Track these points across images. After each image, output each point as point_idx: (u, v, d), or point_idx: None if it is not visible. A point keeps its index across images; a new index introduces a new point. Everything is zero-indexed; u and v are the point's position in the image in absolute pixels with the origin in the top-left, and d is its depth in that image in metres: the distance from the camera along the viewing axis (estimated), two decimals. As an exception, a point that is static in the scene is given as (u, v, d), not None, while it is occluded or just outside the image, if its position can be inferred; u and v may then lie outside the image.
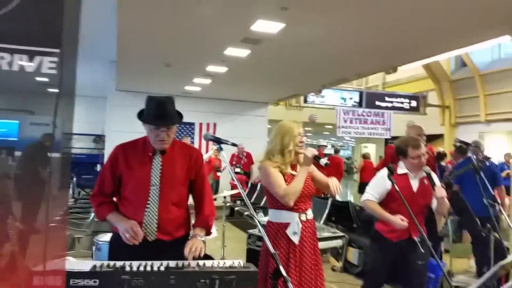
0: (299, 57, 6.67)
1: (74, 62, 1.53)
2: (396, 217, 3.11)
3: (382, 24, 5.06)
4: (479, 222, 5.06)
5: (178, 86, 9.56)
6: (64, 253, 2.08)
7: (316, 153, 2.83)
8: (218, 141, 2.47)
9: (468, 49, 6.37)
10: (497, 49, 13.06)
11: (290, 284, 2.14)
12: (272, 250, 2.25)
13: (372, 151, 24.11)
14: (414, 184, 3.30)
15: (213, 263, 2.33)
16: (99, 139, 12.60)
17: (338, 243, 5.62)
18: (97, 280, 2.02)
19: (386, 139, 15.48)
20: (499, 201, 3.90)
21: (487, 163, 5.00)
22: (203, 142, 10.57)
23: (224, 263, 2.32)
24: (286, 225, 2.86)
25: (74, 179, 9.53)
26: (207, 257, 4.43)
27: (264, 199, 9.20)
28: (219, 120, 11.11)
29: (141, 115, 2.45)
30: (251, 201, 9.38)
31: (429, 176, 3.19)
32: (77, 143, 11.98)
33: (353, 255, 5.73)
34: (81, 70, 1.94)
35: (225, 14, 5.02)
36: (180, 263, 2.27)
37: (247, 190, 8.87)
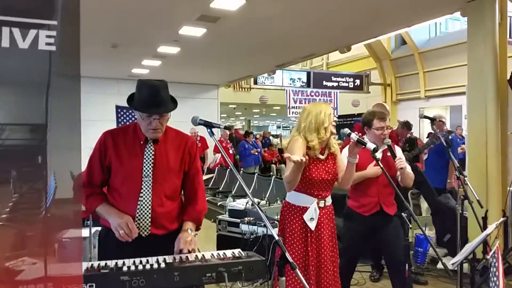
0: (256, 36, 6.52)
1: (77, 37, 1.29)
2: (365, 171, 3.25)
3: (341, 2, 5.05)
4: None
5: (124, 69, 9.05)
6: (19, 252, 1.86)
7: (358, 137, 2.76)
8: (209, 125, 2.28)
9: (421, 25, 6.54)
10: (434, 28, 13.70)
11: (298, 271, 2.05)
12: (276, 237, 2.13)
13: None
14: (378, 157, 3.36)
15: (212, 254, 2.19)
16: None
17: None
18: (93, 284, 1.82)
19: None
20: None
21: (450, 137, 5.24)
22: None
23: (224, 253, 2.18)
24: (304, 209, 2.81)
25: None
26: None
27: (223, 184, 9.09)
28: (168, 104, 10.71)
29: (131, 101, 2.25)
30: (208, 186, 9.21)
31: (389, 148, 3.28)
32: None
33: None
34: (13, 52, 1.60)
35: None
36: (177, 257, 2.12)
37: (203, 176, 8.66)
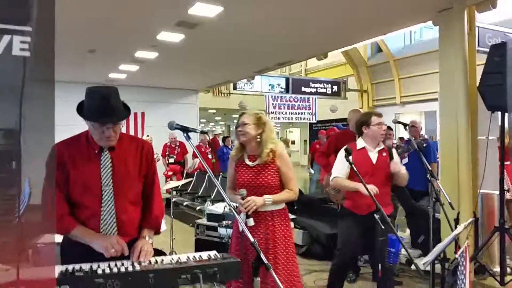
0: (234, 43, 6.57)
1: (51, 42, 1.29)
2: (359, 184, 3.12)
3: (318, 10, 5.14)
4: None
5: (101, 74, 8.96)
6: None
7: None
8: (185, 129, 2.30)
9: (396, 33, 6.70)
10: (409, 36, 14.05)
11: (272, 271, 2.09)
12: (251, 238, 2.17)
13: (297, 135, 24.84)
14: (373, 157, 3.46)
15: (188, 256, 2.21)
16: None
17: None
18: (67, 287, 1.82)
19: (311, 123, 16.03)
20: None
21: (424, 143, 5.39)
22: (131, 132, 10.08)
23: (200, 256, 2.21)
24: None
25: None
26: (158, 251, 4.22)
27: (202, 188, 9.07)
28: (147, 109, 10.67)
29: (81, 109, 2.15)
30: (188, 191, 9.20)
31: (389, 151, 3.47)
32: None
33: (297, 236, 5.85)
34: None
35: (162, -4, 4.75)
36: (153, 260, 2.14)
37: (182, 180, 8.63)
